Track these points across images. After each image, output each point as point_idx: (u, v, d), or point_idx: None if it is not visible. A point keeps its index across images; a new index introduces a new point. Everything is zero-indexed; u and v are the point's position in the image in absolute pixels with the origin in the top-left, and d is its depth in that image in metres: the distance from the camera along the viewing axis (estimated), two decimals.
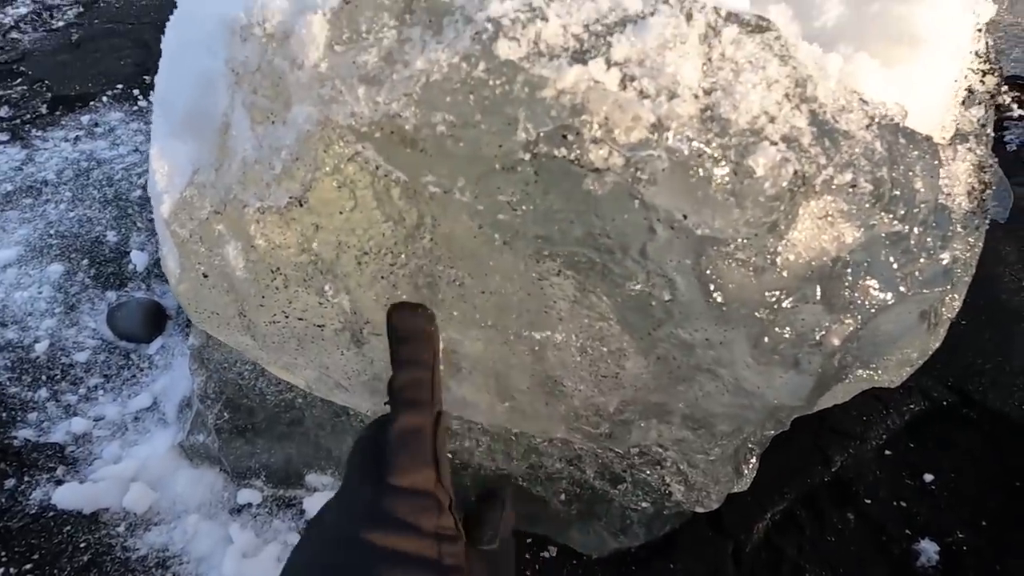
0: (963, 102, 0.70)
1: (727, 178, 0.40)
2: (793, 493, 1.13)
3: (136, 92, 2.26)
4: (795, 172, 0.40)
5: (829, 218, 0.44)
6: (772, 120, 0.40)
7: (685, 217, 0.41)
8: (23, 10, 2.88)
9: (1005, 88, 2.30)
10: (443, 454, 0.39)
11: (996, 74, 0.97)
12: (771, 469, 1.00)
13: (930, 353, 0.66)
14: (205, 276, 0.71)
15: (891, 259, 0.49)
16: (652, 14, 0.43)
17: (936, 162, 0.49)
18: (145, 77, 2.35)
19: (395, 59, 0.40)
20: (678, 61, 0.40)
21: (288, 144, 0.47)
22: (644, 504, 1.01)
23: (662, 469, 0.95)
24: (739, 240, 0.42)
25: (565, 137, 0.39)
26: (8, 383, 1.36)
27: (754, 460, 0.98)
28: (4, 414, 1.30)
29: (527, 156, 0.40)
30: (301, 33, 0.44)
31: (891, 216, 0.46)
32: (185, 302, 0.77)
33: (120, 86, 2.30)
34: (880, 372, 0.67)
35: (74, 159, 1.95)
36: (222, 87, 0.56)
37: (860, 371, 0.68)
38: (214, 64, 0.56)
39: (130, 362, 1.44)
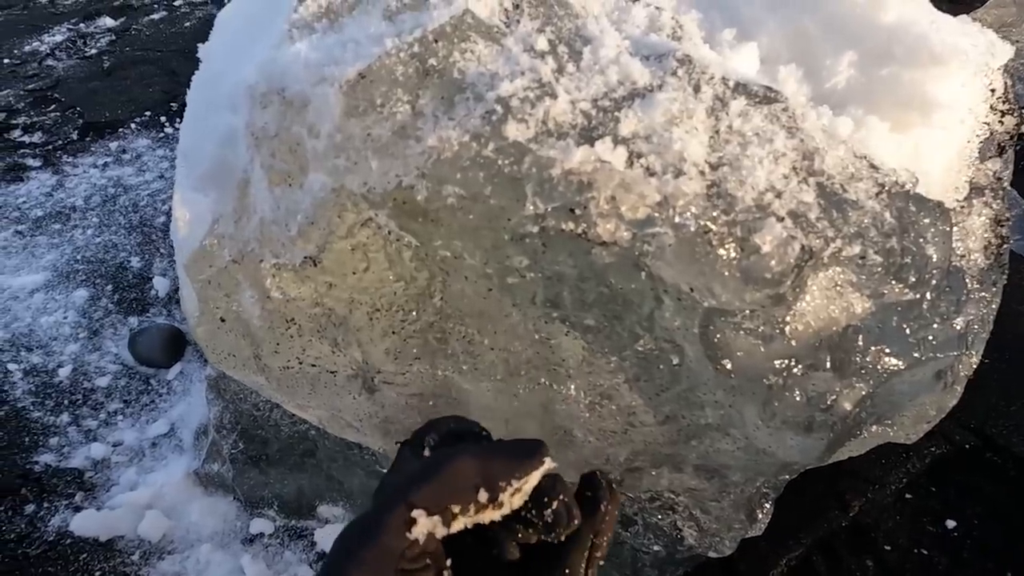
0: (979, 153, 0.69)
1: (733, 255, 0.40)
2: (809, 539, 1.11)
3: (163, 119, 2.32)
4: (802, 248, 0.40)
5: (838, 288, 0.44)
6: (779, 195, 0.41)
7: (692, 290, 0.41)
8: (59, 38, 3.00)
9: None
10: None
11: (1015, 114, 0.97)
12: (787, 513, 0.98)
13: (948, 410, 0.65)
14: (223, 320, 0.72)
15: (903, 326, 0.48)
16: (660, 87, 0.43)
17: (947, 228, 0.48)
18: (172, 104, 2.42)
19: (408, 134, 0.41)
20: (685, 137, 0.40)
21: (304, 208, 0.48)
22: (656, 547, 1.00)
23: (674, 514, 0.94)
24: (746, 311, 0.42)
25: (573, 212, 0.40)
26: (32, 407, 1.39)
27: (768, 505, 0.96)
28: (27, 439, 1.33)
29: (535, 228, 0.41)
30: (318, 103, 0.46)
31: (902, 284, 0.45)
32: (203, 343, 0.78)
33: (148, 113, 2.37)
34: (896, 428, 0.66)
35: (102, 185, 2.01)
36: (243, 145, 0.57)
37: (875, 427, 0.67)
38: (236, 122, 0.58)
39: (149, 387, 1.46)
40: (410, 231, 0.46)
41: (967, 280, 0.54)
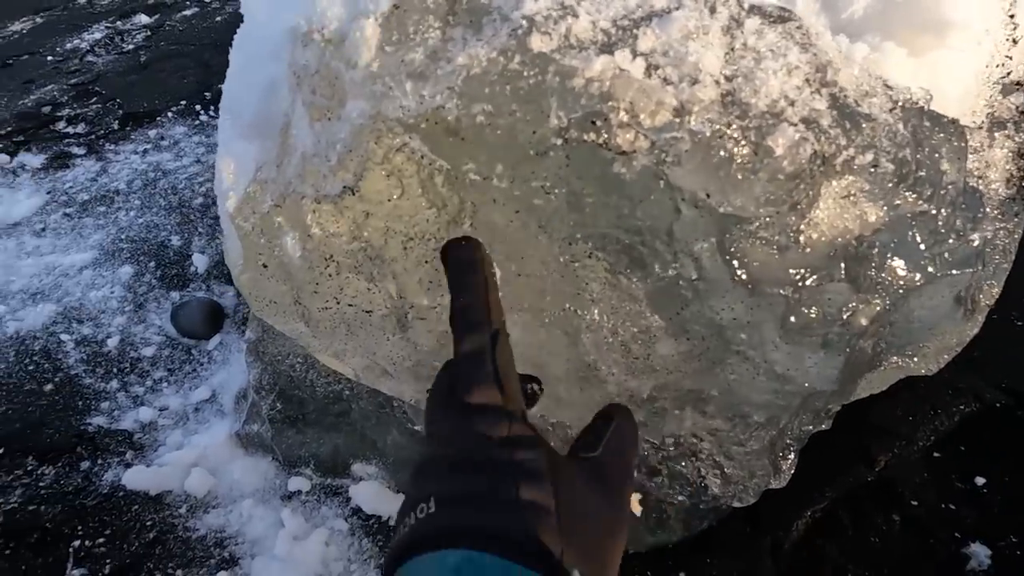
0: (1001, 90, 0.69)
1: (747, 157, 0.42)
2: (835, 493, 1.11)
3: (198, 107, 2.41)
4: (814, 152, 0.42)
5: (852, 198, 0.45)
6: (792, 103, 0.43)
7: (708, 196, 0.43)
8: (98, 35, 3.12)
9: None
10: (507, 371, 0.38)
11: None
12: (812, 468, 0.99)
13: (968, 340, 0.66)
14: (265, 267, 0.77)
15: (918, 239, 0.50)
16: (677, 8, 0.46)
17: (962, 144, 0.50)
18: (206, 93, 2.50)
19: (439, 56, 0.44)
20: (700, 50, 0.42)
21: (343, 138, 0.51)
22: (681, 497, 1.02)
23: (697, 461, 0.96)
24: (762, 219, 0.44)
25: (594, 123, 0.42)
26: (84, 375, 1.47)
27: (792, 456, 0.98)
28: (80, 403, 1.41)
29: (559, 141, 0.44)
30: (355, 36, 0.49)
31: (916, 196, 0.47)
32: (246, 291, 0.83)
33: (184, 102, 2.45)
34: (916, 359, 0.67)
35: (142, 170, 2.10)
36: (284, 90, 0.61)
37: (895, 358, 0.68)
38: (279, 70, 0.62)
39: (191, 357, 1.54)
40: (441, 154, 0.49)
41: (985, 202, 0.55)
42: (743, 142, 0.42)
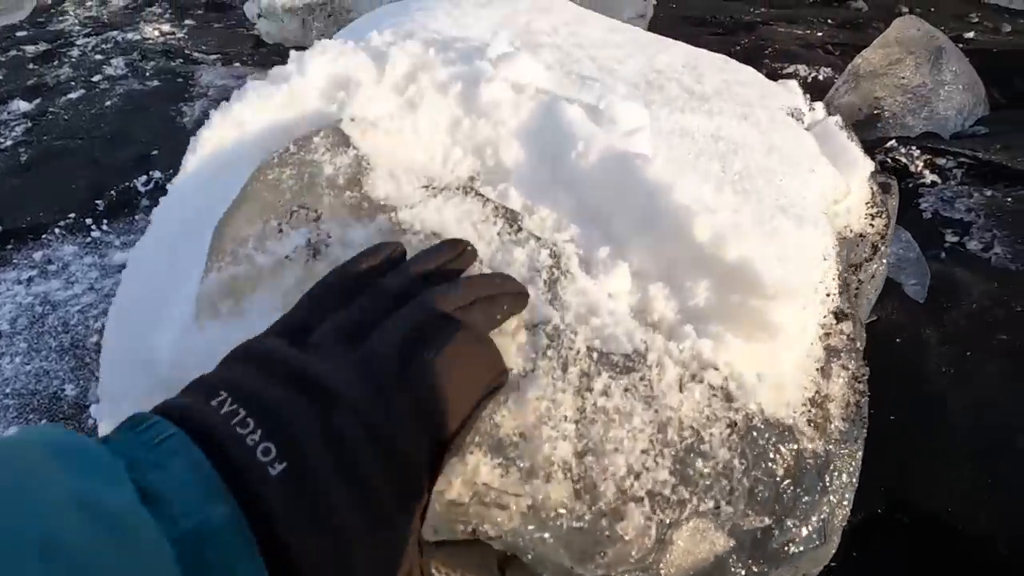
0: (835, 315, 0.79)
1: (601, 543, 0.46)
2: None
3: (89, 221, 2.28)
4: (659, 523, 0.47)
5: (700, 534, 0.51)
6: (637, 477, 0.47)
7: (572, 567, 0.47)
8: None
9: (917, 152, 2.46)
10: None
11: (883, 216, 1.09)
12: None
13: (831, 554, 0.73)
14: None
15: (768, 541, 0.56)
16: (532, 370, 0.49)
17: (794, 445, 0.56)
18: (97, 202, 2.37)
19: None
20: (552, 435, 0.46)
21: None
22: None
23: None
24: (623, 566, 0.49)
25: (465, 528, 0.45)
26: None
27: None
28: None
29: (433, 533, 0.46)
30: None
31: (755, 513, 0.53)
32: None
33: (72, 215, 2.31)
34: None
35: (28, 304, 1.96)
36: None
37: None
38: (152, 383, 0.62)
39: None
40: None
41: (821, 475, 0.62)
42: (596, 532, 0.46)
